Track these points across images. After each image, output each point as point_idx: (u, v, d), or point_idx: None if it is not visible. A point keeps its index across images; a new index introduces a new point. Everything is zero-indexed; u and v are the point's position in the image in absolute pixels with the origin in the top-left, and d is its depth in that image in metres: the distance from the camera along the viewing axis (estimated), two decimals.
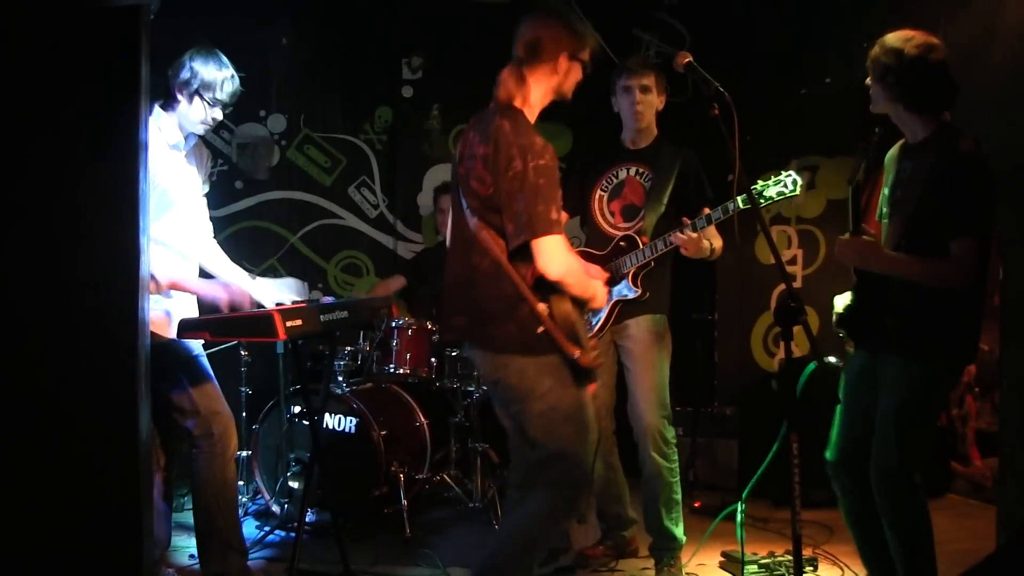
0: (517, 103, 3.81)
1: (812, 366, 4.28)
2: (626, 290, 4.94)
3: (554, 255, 3.60)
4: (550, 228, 3.58)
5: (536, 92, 3.86)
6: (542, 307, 3.67)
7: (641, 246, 4.91)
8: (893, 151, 4.23)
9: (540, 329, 3.66)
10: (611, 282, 4.99)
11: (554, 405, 3.72)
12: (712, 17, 7.18)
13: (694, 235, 4.74)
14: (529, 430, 3.80)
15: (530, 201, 3.58)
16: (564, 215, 3.64)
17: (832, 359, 4.62)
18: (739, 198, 4.57)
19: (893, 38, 3.98)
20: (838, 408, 4.27)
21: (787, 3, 6.78)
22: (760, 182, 4.57)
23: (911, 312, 3.97)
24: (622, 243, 4.99)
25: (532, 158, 3.61)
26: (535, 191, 3.59)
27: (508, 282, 3.68)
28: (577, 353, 3.67)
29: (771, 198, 4.61)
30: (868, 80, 4.07)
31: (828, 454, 4.27)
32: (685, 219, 4.78)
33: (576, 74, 3.90)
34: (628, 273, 4.94)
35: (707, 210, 4.81)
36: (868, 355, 4.18)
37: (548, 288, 3.68)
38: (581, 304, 3.83)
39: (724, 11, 7.10)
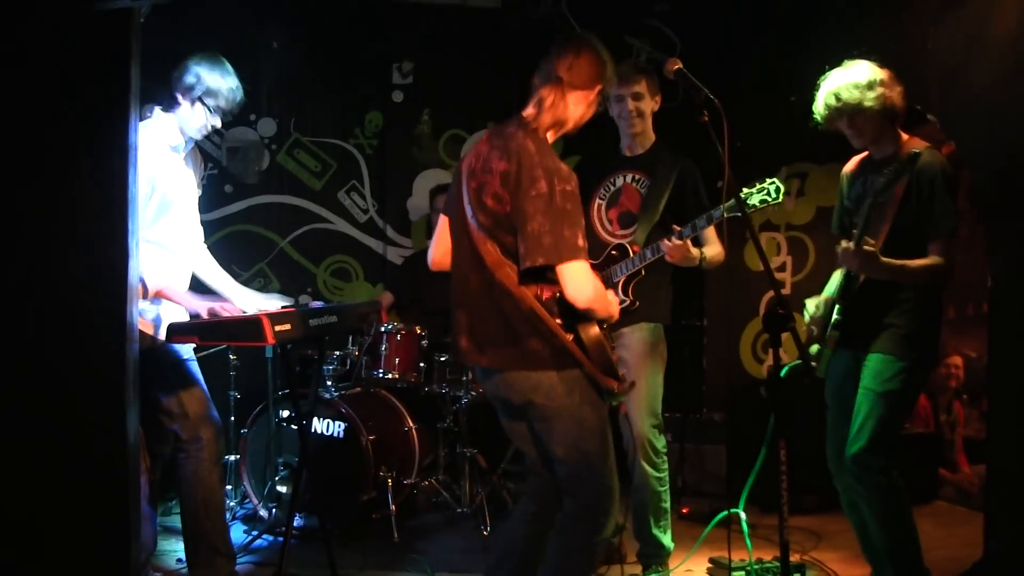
0: (553, 127, 3.74)
1: (787, 367, 4.32)
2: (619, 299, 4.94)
3: (584, 282, 3.51)
4: (577, 254, 3.49)
5: (569, 116, 3.78)
6: (560, 324, 3.60)
7: (632, 255, 4.90)
8: (852, 166, 4.60)
9: (567, 341, 3.59)
10: None
11: (580, 421, 3.67)
12: (703, 24, 7.19)
13: (679, 243, 4.71)
14: (554, 447, 3.73)
15: (556, 225, 3.47)
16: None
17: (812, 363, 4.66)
18: (723, 205, 4.58)
19: (849, 79, 4.29)
20: (829, 409, 4.48)
21: (777, 11, 6.79)
22: (745, 189, 4.56)
23: (885, 313, 4.29)
24: (613, 252, 4.99)
25: (559, 182, 3.51)
26: (562, 215, 3.48)
27: (524, 299, 3.59)
28: (615, 386, 3.64)
29: (754, 206, 4.59)
30: (846, 125, 4.37)
31: (828, 451, 4.51)
32: (676, 227, 4.78)
33: (594, 110, 3.86)
34: (619, 282, 4.92)
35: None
36: (851, 356, 4.41)
37: (572, 313, 3.62)
38: (602, 324, 3.76)
39: (715, 18, 7.11)
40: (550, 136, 3.76)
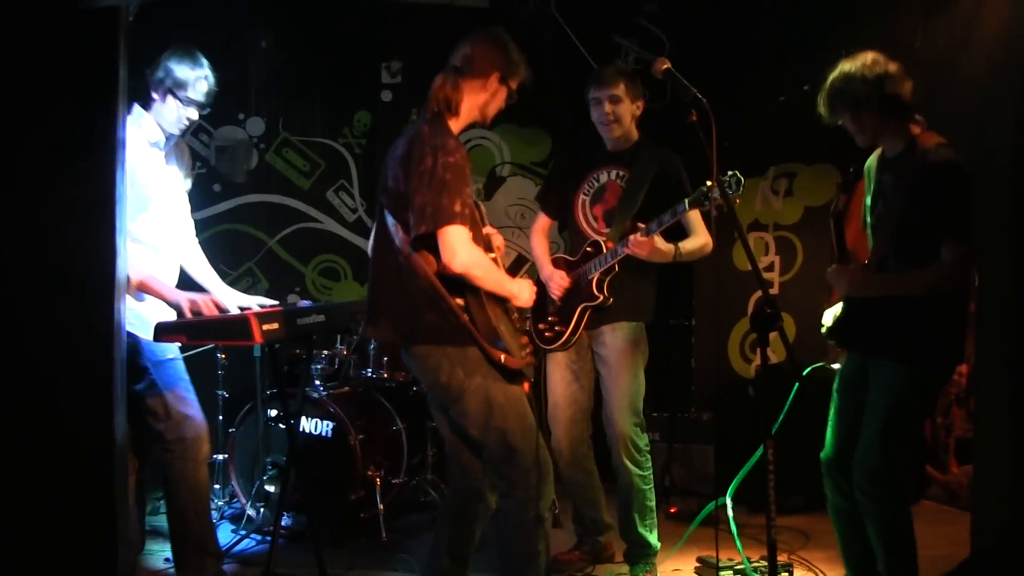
0: (446, 110, 3.92)
1: (811, 368, 4.30)
2: (592, 296, 4.96)
3: (456, 245, 3.66)
4: (452, 219, 3.65)
5: (466, 103, 3.96)
6: (459, 303, 3.76)
7: (605, 251, 4.90)
8: (872, 161, 4.36)
9: (462, 317, 3.76)
10: (578, 288, 5.01)
11: (487, 399, 3.81)
12: (691, 24, 7.19)
13: (644, 239, 4.71)
14: (469, 429, 3.88)
15: (436, 195, 3.65)
16: (467, 209, 3.74)
17: (835, 365, 4.63)
18: (686, 200, 4.59)
19: (852, 68, 4.07)
20: (832, 409, 4.38)
21: (766, 11, 6.80)
22: (708, 183, 4.47)
23: (899, 318, 4.07)
24: (588, 248, 4.99)
25: (442, 155, 3.69)
26: (441, 185, 3.66)
27: (423, 275, 3.76)
28: (502, 357, 3.79)
29: (715, 198, 4.45)
30: (849, 119, 4.14)
31: (823, 453, 4.39)
32: (640, 224, 4.78)
33: (501, 99, 4.05)
34: (592, 279, 4.92)
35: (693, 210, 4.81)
36: (859, 359, 4.27)
37: (462, 287, 3.77)
38: (503, 302, 3.93)
39: (703, 18, 7.11)
40: (456, 122, 3.96)
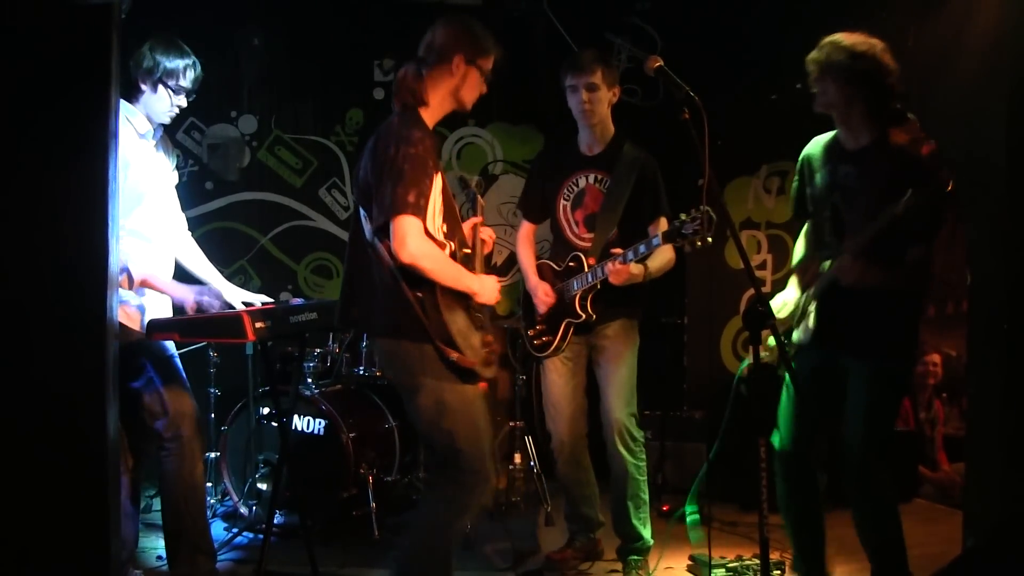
0: (415, 102, 3.88)
1: (745, 363, 4.28)
2: (575, 314, 4.98)
3: (405, 235, 3.60)
4: (404, 209, 3.60)
5: (434, 92, 3.92)
6: (418, 296, 3.71)
7: (586, 269, 4.91)
8: (816, 150, 4.36)
9: (419, 312, 3.72)
10: (562, 302, 5.04)
11: (440, 399, 3.76)
12: (684, 22, 7.20)
13: (621, 267, 4.71)
14: (419, 424, 3.86)
15: (394, 185, 3.62)
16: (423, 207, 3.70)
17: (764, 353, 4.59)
18: (660, 233, 4.58)
19: (856, 42, 4.07)
20: (786, 402, 4.41)
21: (758, 9, 6.81)
22: (683, 216, 4.42)
23: (873, 315, 4.09)
24: (571, 263, 5.00)
25: (404, 146, 3.66)
26: (399, 175, 3.62)
27: (386, 268, 3.73)
28: (454, 356, 3.73)
29: (687, 236, 4.43)
30: (816, 79, 4.14)
31: (779, 446, 4.43)
32: (615, 250, 4.79)
33: (474, 80, 3.98)
34: (575, 296, 4.93)
35: (670, 223, 4.74)
36: (827, 354, 4.27)
37: (421, 281, 3.71)
38: (464, 299, 3.86)
39: (696, 16, 7.13)
40: (428, 113, 3.91)
